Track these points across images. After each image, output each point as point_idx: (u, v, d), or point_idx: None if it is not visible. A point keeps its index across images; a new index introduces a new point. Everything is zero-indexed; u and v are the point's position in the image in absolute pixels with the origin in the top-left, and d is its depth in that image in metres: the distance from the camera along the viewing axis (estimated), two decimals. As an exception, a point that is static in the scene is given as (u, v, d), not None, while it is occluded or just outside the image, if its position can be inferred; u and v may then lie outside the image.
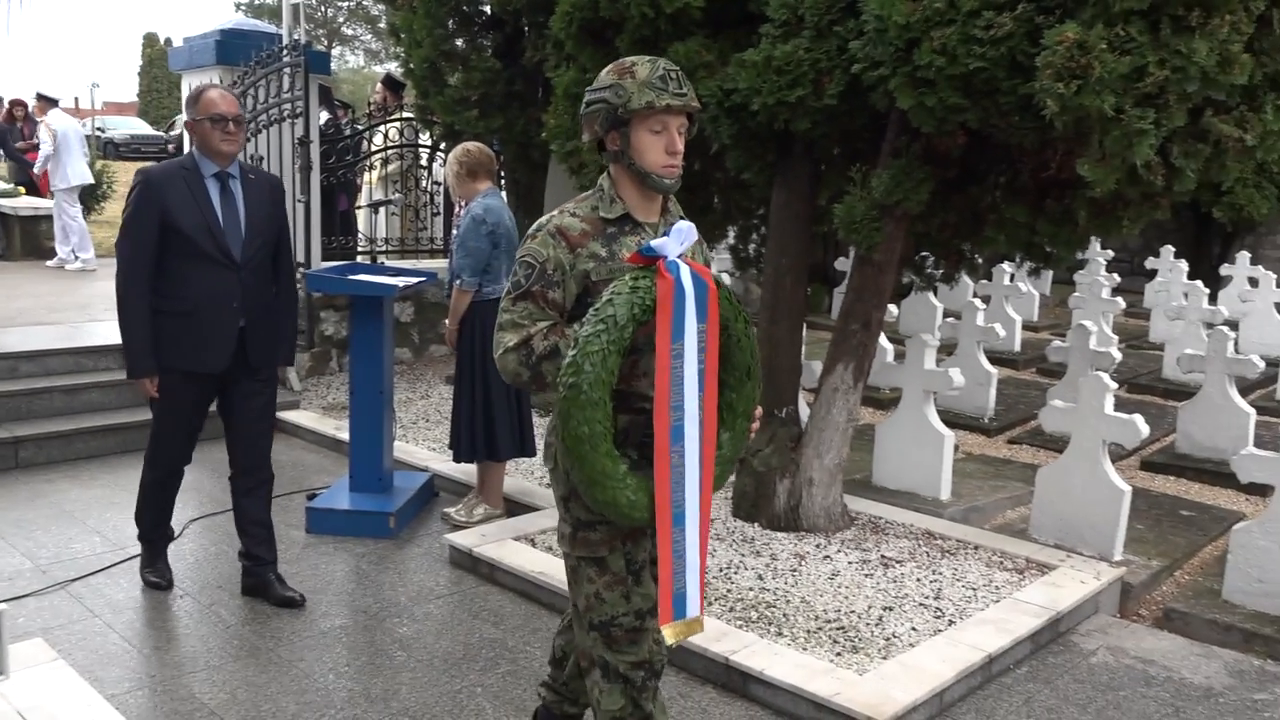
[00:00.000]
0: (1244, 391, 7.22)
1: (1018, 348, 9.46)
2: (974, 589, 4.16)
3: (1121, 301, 9.36)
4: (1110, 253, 11.89)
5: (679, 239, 2.19)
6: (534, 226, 2.37)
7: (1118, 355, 6.66)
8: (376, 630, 3.88)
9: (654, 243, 2.16)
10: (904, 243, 4.77)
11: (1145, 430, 4.53)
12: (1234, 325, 9.51)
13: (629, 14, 4.75)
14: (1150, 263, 12.04)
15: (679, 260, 2.17)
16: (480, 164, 4.86)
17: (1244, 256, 11.53)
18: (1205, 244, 13.50)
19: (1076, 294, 9.63)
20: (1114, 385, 4.74)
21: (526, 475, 5.61)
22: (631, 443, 2.36)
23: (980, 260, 9.18)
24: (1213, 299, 10.22)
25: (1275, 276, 10.21)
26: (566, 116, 5.36)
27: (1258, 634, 3.97)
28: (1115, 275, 11.04)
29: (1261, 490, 4.25)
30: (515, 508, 5.07)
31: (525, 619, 4.00)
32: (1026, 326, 10.27)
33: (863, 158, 4.73)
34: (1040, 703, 3.47)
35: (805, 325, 6.34)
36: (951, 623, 3.84)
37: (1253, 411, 6.25)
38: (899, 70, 4.01)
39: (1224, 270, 11.53)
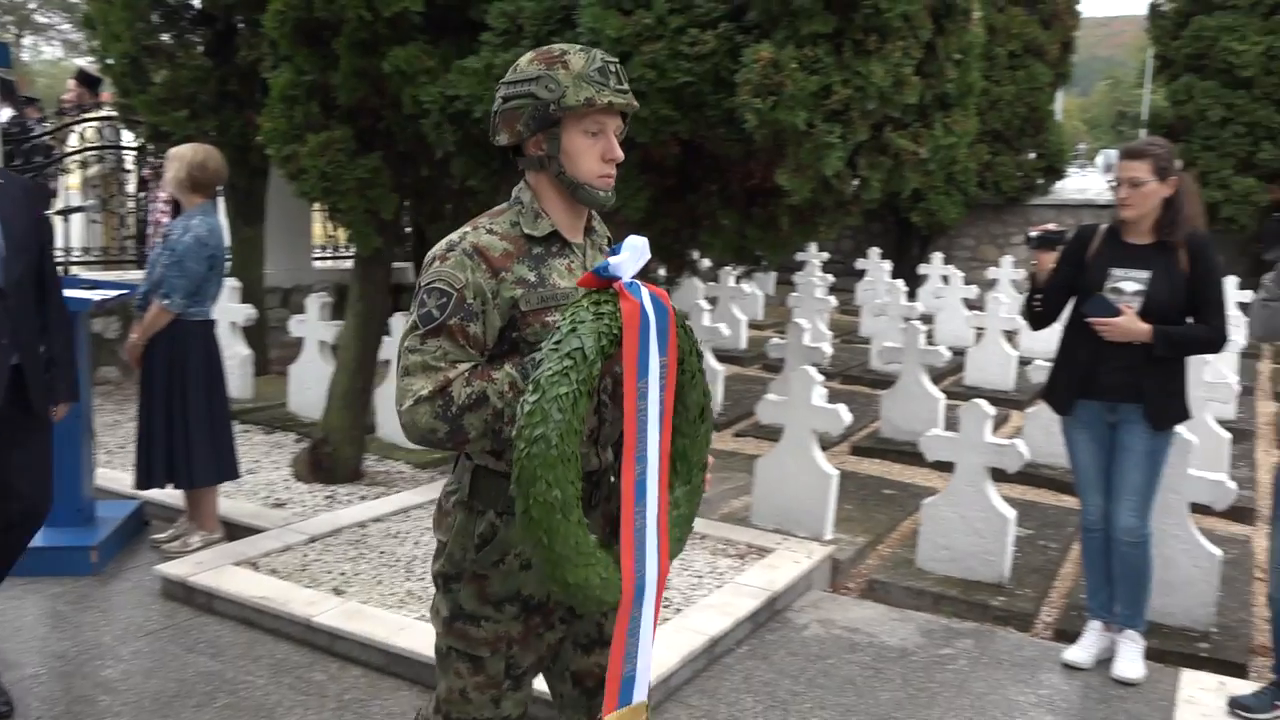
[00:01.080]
0: (937, 379, 8.00)
1: (744, 346, 10.02)
2: (700, 576, 4.37)
3: (834, 300, 10.12)
4: (825, 255, 12.82)
5: (636, 257, 1.80)
6: (441, 246, 1.93)
7: (829, 350, 7.20)
8: (75, 676, 3.57)
9: (611, 261, 1.77)
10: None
11: (848, 419, 4.93)
12: (930, 319, 10.55)
13: (345, 16, 4.64)
14: (860, 263, 13.10)
15: (637, 281, 1.81)
16: (213, 180, 4.53)
17: (938, 257, 12.78)
18: (906, 246, 14.88)
19: (795, 294, 10.33)
20: (820, 378, 5.13)
21: (249, 496, 5.34)
22: None
23: (708, 264, 9.64)
24: (912, 296, 11.26)
25: (963, 275, 11.36)
26: (284, 119, 5.16)
27: (945, 596, 4.42)
28: (830, 276, 11.92)
29: (947, 467, 4.73)
30: (237, 531, 4.81)
31: (247, 647, 3.81)
32: (752, 325, 10.89)
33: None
34: (759, 678, 3.70)
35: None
36: (679, 610, 4.02)
37: (943, 397, 6.94)
38: (612, 82, 4.15)
39: (921, 270, 12.72)
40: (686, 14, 4.05)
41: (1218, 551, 4.16)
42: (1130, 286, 3.62)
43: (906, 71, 4.10)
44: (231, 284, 7.42)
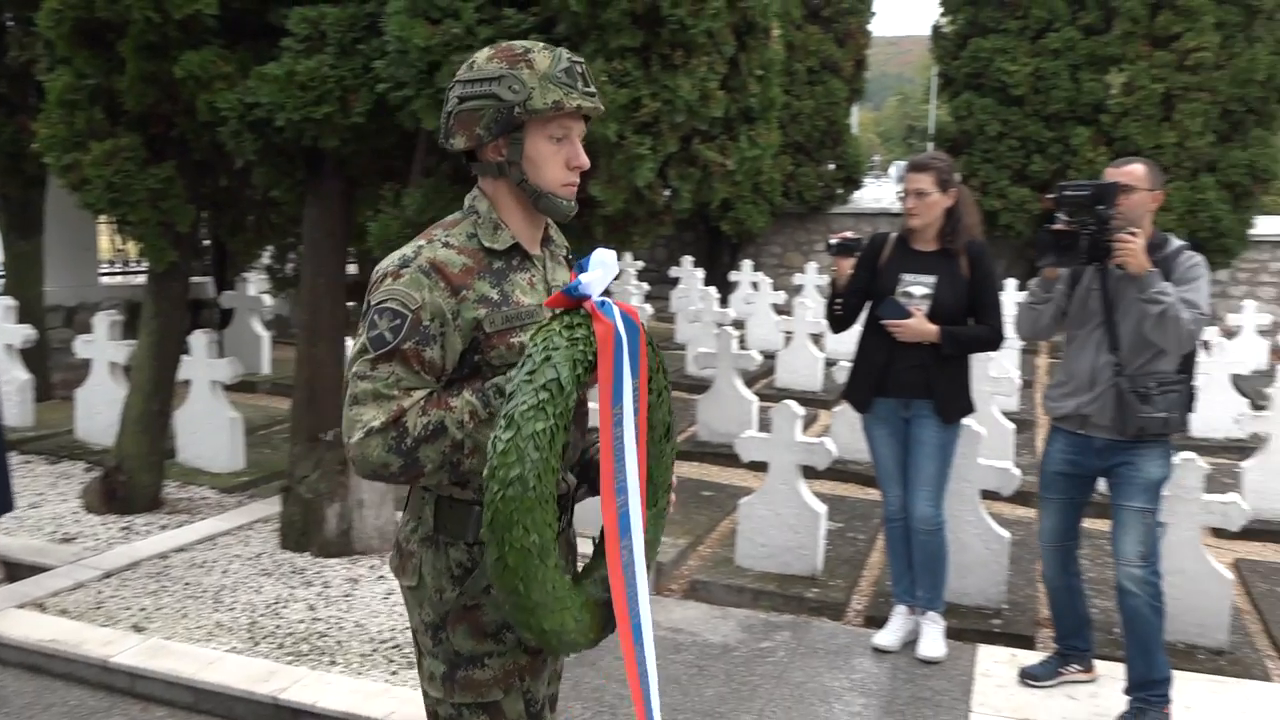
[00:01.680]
0: (750, 382, 8.28)
1: (563, 355, 10.05)
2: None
3: (650, 308, 10.31)
4: (640, 263, 13.05)
5: (607, 273, 1.69)
6: (393, 261, 1.76)
7: (646, 357, 7.32)
8: None
9: (583, 279, 1.66)
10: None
11: (666, 424, 5.03)
12: (741, 325, 10.89)
13: (131, 17, 4.38)
14: (674, 271, 13.39)
15: (608, 299, 1.69)
16: None
17: (748, 264, 13.21)
18: (717, 254, 15.32)
19: (611, 302, 10.45)
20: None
21: (33, 531, 4.94)
22: None
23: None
24: (724, 302, 11.61)
25: (772, 281, 11.80)
26: (63, 126, 4.82)
27: (763, 591, 4.58)
28: (645, 284, 12.12)
29: (762, 466, 4.91)
30: (19, 570, 4.44)
31: (35, 696, 3.52)
32: (570, 334, 10.92)
33: (396, 176, 4.77)
34: (587, 684, 3.72)
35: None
36: (504, 624, 3.99)
37: (756, 399, 7.19)
38: (422, 92, 4.09)
39: (732, 276, 13.12)
40: (495, 25, 4.03)
41: (1006, 534, 4.49)
42: (919, 290, 3.87)
43: (712, 86, 4.23)
44: (6, 302, 6.85)
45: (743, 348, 7.62)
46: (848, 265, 4.05)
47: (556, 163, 1.80)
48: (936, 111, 18.30)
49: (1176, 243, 3.42)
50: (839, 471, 6.17)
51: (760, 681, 3.78)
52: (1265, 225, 13.79)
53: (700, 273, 12.84)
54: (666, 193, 4.48)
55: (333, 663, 3.65)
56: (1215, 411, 7.52)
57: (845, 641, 4.15)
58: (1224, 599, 4.15)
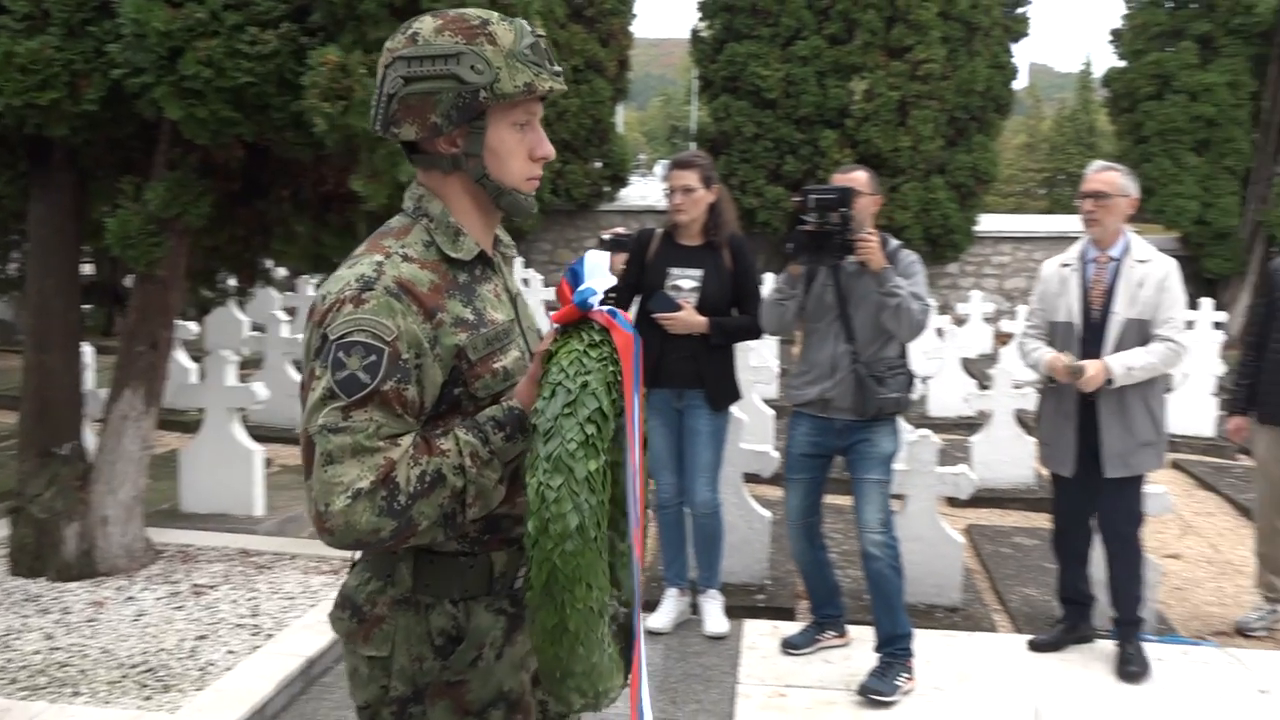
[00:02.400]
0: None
1: (328, 356, 9.70)
2: (292, 598, 4.20)
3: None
4: (408, 261, 12.77)
5: (606, 279, 1.52)
6: (349, 283, 1.45)
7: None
8: None
9: (592, 286, 1.48)
10: (189, 257, 4.60)
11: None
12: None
13: None
14: (443, 269, 13.22)
15: (613, 307, 1.52)
16: None
17: (519, 261, 13.23)
18: (487, 251, 15.25)
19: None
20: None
21: None
22: (504, 590, 1.61)
23: (284, 273, 9.21)
24: (495, 299, 11.56)
25: (542, 278, 11.88)
26: None
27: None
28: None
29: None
30: None
31: None
32: (336, 335, 10.57)
33: (136, 168, 4.46)
34: (360, 692, 3.63)
35: (96, 351, 5.79)
36: (270, 636, 3.83)
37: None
38: (164, 79, 3.85)
39: (503, 273, 13.11)
40: (244, 11, 3.85)
41: (767, 514, 4.75)
42: (687, 284, 4.03)
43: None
44: None
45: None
46: (619, 260, 4.15)
47: (520, 154, 1.55)
48: (698, 113, 18.98)
49: (894, 242, 3.75)
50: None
51: (538, 672, 3.83)
52: (987, 222, 15.22)
53: (471, 270, 12.74)
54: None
55: (76, 693, 3.38)
56: (947, 392, 8.26)
57: (620, 627, 4.26)
58: (956, 561, 4.57)
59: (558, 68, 1.56)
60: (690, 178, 3.98)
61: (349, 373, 1.39)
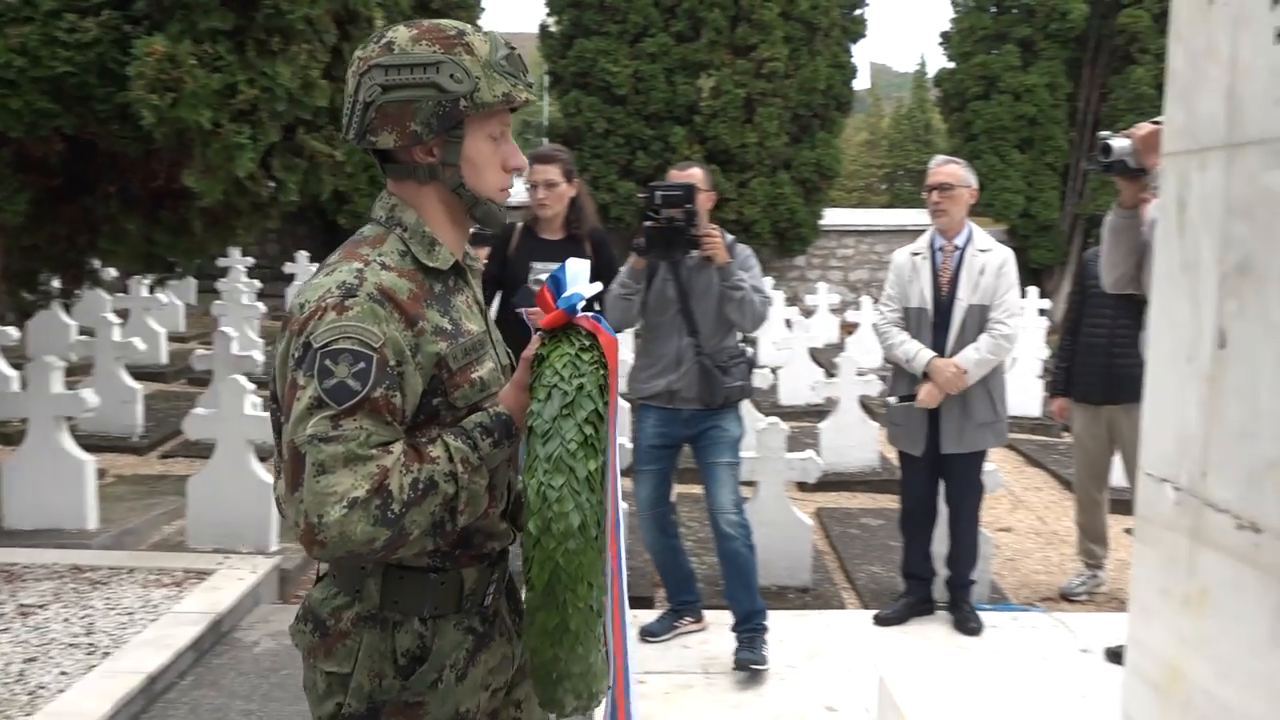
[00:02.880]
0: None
1: (165, 360, 9.29)
2: (131, 613, 4.01)
3: (263, 306, 9.78)
4: (251, 260, 12.31)
5: (588, 283, 1.56)
6: (329, 290, 1.43)
7: (261, 358, 6.96)
8: None
9: (580, 291, 1.51)
10: (6, 257, 4.33)
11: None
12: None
13: None
14: (289, 267, 12.79)
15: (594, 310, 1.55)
16: None
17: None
18: (335, 248, 14.83)
19: (220, 302, 9.80)
20: (253, 387, 4.96)
21: None
22: (473, 608, 1.60)
23: (114, 273, 8.74)
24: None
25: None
26: None
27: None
28: (257, 281, 11.47)
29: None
30: None
31: None
32: (174, 338, 10.13)
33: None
34: (207, 705, 3.51)
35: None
36: (107, 654, 3.65)
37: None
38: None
39: (353, 272, 12.78)
40: (60, -3, 3.66)
41: (625, 505, 4.81)
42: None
43: (315, 74, 4.13)
44: None
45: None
46: (483, 254, 4.11)
47: (495, 164, 1.57)
48: (548, 108, 18.95)
49: (729, 236, 3.86)
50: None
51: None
52: (832, 216, 15.75)
53: (316, 268, 12.36)
54: (271, 184, 4.30)
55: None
56: (796, 381, 8.53)
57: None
58: (806, 544, 4.74)
59: (530, 80, 1.58)
60: (552, 172, 3.99)
61: (338, 380, 1.37)
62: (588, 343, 1.50)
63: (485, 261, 4.11)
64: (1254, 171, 2.06)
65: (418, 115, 1.48)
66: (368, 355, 1.39)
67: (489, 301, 4.15)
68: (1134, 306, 4.60)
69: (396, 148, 1.52)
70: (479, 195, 1.56)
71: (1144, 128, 2.63)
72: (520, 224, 4.19)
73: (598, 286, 1.62)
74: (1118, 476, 4.86)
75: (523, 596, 1.45)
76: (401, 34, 1.50)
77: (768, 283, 11.37)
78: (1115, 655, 3.43)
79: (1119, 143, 2.68)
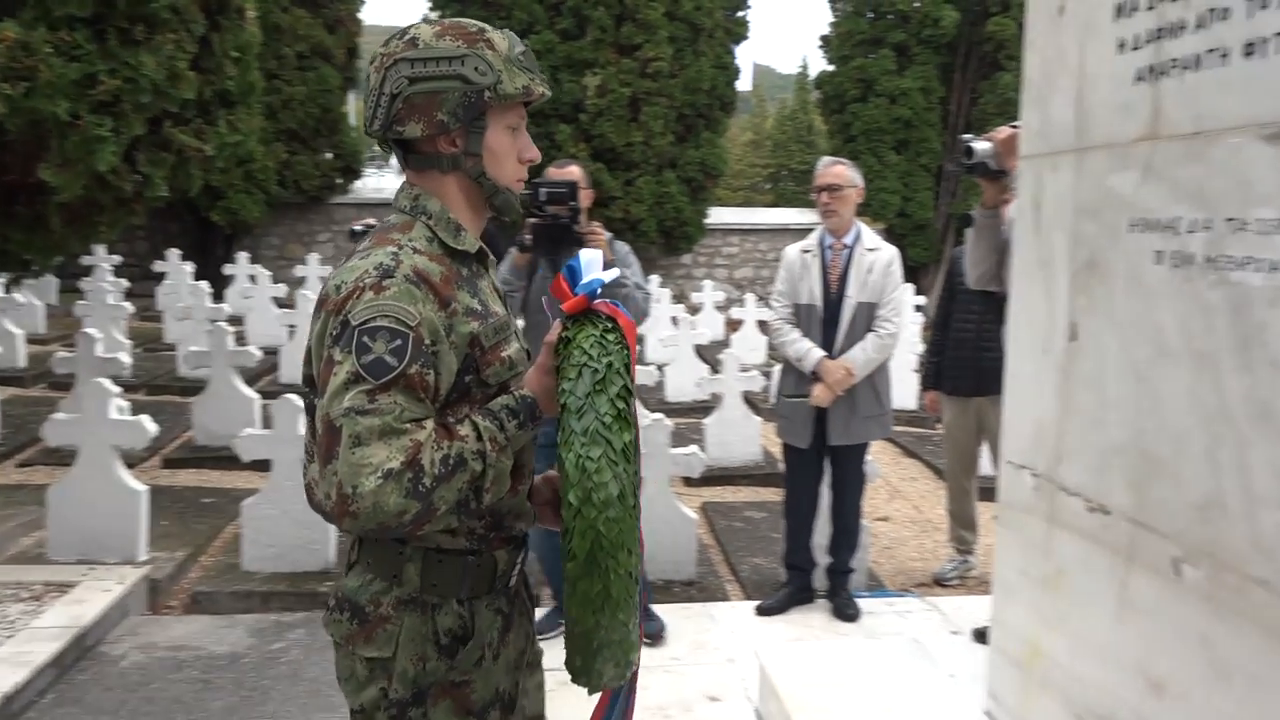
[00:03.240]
0: (252, 380, 7.87)
1: (23, 364, 8.79)
2: (-15, 631, 3.79)
3: (130, 306, 9.37)
4: (118, 258, 11.78)
5: (602, 270, 1.62)
6: (368, 271, 1.48)
7: (129, 360, 6.65)
8: None
9: (602, 275, 1.59)
10: None
11: (153, 430, 4.64)
12: (240, 320, 10.31)
13: None
14: (158, 266, 12.28)
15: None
16: None
17: (244, 256, 12.51)
18: (209, 246, 14.30)
19: (83, 302, 9.34)
20: (118, 390, 4.74)
21: None
22: (502, 589, 1.68)
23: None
24: (219, 298, 10.90)
25: (271, 274, 11.29)
26: None
27: (273, 593, 4.43)
28: (124, 280, 10.97)
29: (266, 465, 4.72)
30: None
31: None
32: (32, 340, 9.59)
33: None
34: (72, 726, 3.35)
35: None
36: (-40, 675, 3.44)
37: (258, 397, 6.86)
38: None
39: (227, 270, 12.34)
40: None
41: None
42: None
43: (181, 65, 3.97)
44: None
45: (241, 344, 7.23)
46: None
47: (513, 155, 1.64)
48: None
49: (608, 233, 3.88)
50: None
51: (273, 684, 3.67)
52: (718, 215, 15.96)
53: (189, 267, 11.91)
54: (137, 179, 4.12)
55: None
56: (681, 378, 8.61)
57: (362, 629, 4.16)
58: (691, 538, 4.79)
59: (544, 75, 1.67)
60: None
61: (375, 356, 1.42)
62: (610, 325, 1.58)
63: None
64: (1100, 174, 2.19)
65: (444, 105, 1.55)
66: (404, 333, 1.44)
67: None
68: (1000, 302, 4.80)
69: (422, 137, 1.58)
70: (498, 184, 1.63)
71: (1003, 131, 2.76)
72: None
73: (615, 272, 1.70)
74: (988, 466, 5.06)
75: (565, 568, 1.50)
76: (425, 30, 1.59)
77: (654, 281, 11.46)
78: (981, 635, 3.58)
79: (981, 145, 2.80)
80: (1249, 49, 1.69)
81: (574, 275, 1.63)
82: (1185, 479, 1.86)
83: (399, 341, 1.43)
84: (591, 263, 1.66)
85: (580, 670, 1.54)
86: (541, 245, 3.64)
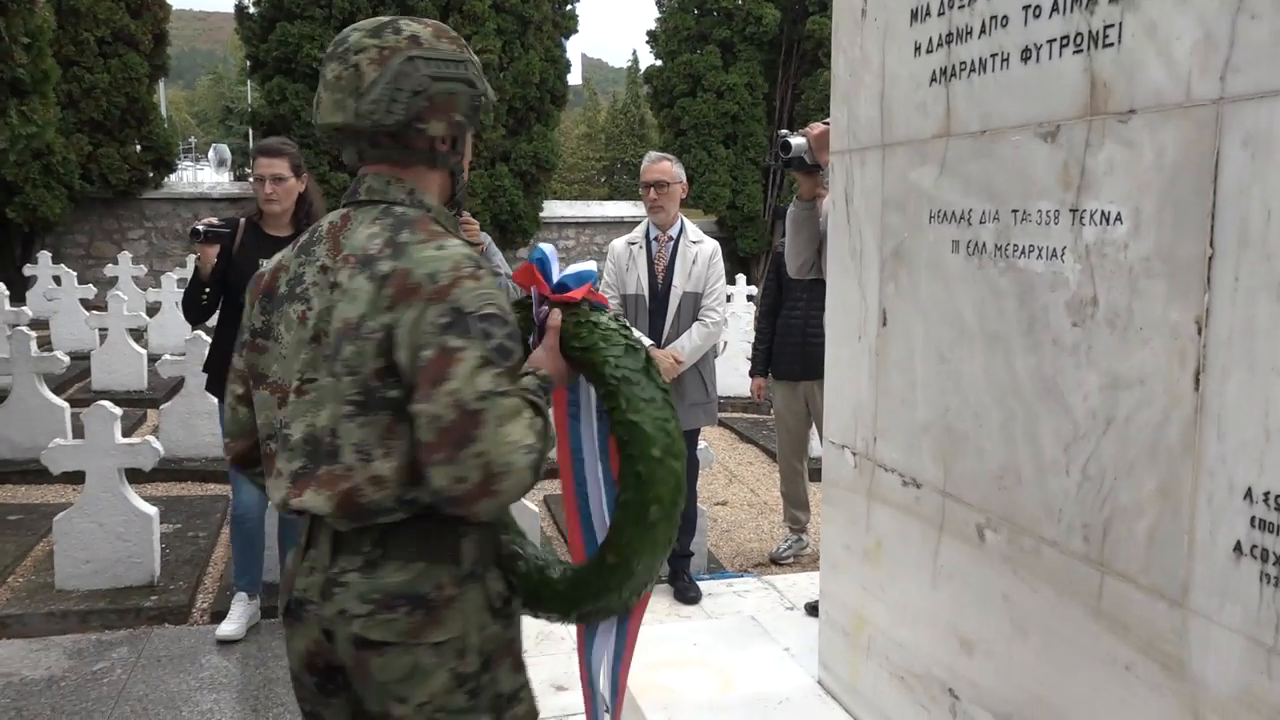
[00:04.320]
0: (61, 388, 7.40)
1: None
2: None
3: (-84, 311, 8.60)
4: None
5: (579, 263, 1.80)
6: (461, 262, 1.52)
7: (-85, 369, 6.14)
8: None
9: (582, 267, 1.77)
10: None
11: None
12: (44, 324, 9.64)
13: None
14: (-52, 267, 11.33)
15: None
16: None
17: (46, 256, 11.68)
18: (6, 245, 13.28)
19: None
20: (-95, 403, 4.38)
21: None
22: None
23: None
24: (20, 299, 10.15)
25: (77, 274, 10.60)
26: None
27: (93, 610, 4.18)
28: (-93, 283, 10.07)
29: (80, 477, 4.45)
30: None
31: None
32: None
33: None
34: None
35: None
36: None
37: (67, 406, 6.45)
38: None
39: (28, 270, 11.51)
40: None
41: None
42: None
43: (-30, 51, 3.69)
44: None
45: (47, 349, 6.78)
46: (213, 253, 3.85)
47: (469, 157, 1.77)
48: (252, 94, 17.89)
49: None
50: (173, 471, 5.85)
51: (96, 705, 3.48)
52: (552, 208, 15.98)
53: (-16, 268, 11.05)
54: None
55: None
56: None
57: (192, 643, 3.99)
58: (535, 530, 4.81)
59: None
60: (280, 166, 3.83)
61: (498, 341, 1.49)
62: (603, 310, 1.74)
63: (214, 260, 3.86)
64: (903, 169, 2.34)
65: (458, 107, 1.63)
66: (508, 320, 1.53)
67: (218, 300, 3.91)
68: (824, 290, 5.04)
69: (441, 135, 1.64)
70: (462, 182, 1.74)
71: (816, 127, 2.90)
72: (243, 219, 3.98)
73: (592, 264, 1.81)
74: (818, 448, 5.29)
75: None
76: (419, 29, 1.63)
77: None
78: (814, 609, 3.76)
79: (797, 140, 2.93)
80: (1025, 54, 1.85)
81: (544, 266, 1.73)
82: (985, 451, 2.02)
83: (509, 327, 1.52)
84: (551, 252, 1.79)
85: (620, 605, 1.76)
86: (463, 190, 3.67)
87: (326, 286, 1.57)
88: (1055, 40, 1.77)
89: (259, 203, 3.92)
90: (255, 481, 1.79)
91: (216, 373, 4.01)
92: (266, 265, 1.73)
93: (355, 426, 1.52)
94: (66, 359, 6.48)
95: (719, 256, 4.40)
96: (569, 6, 15.51)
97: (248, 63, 15.14)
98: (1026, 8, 1.83)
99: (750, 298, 11.32)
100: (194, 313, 4.02)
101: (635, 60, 38.47)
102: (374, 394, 1.52)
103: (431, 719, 1.59)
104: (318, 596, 1.59)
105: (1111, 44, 1.65)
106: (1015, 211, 1.88)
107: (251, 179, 3.90)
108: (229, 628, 3.99)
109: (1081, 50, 1.71)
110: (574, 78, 17.00)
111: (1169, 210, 1.56)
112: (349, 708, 1.69)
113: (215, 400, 4.33)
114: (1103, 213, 1.68)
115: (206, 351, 4.19)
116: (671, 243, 4.33)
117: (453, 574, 1.60)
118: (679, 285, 4.28)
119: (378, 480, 1.52)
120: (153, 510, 4.49)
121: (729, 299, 9.64)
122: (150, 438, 4.49)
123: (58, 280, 10.69)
